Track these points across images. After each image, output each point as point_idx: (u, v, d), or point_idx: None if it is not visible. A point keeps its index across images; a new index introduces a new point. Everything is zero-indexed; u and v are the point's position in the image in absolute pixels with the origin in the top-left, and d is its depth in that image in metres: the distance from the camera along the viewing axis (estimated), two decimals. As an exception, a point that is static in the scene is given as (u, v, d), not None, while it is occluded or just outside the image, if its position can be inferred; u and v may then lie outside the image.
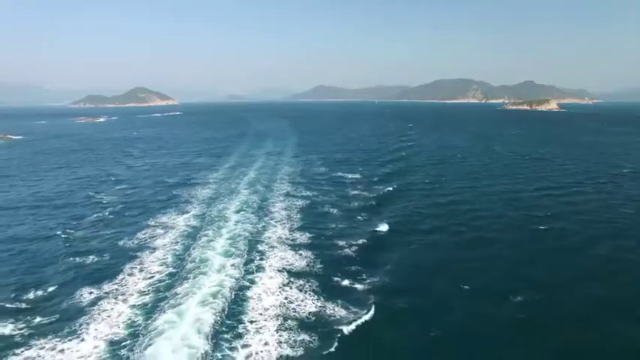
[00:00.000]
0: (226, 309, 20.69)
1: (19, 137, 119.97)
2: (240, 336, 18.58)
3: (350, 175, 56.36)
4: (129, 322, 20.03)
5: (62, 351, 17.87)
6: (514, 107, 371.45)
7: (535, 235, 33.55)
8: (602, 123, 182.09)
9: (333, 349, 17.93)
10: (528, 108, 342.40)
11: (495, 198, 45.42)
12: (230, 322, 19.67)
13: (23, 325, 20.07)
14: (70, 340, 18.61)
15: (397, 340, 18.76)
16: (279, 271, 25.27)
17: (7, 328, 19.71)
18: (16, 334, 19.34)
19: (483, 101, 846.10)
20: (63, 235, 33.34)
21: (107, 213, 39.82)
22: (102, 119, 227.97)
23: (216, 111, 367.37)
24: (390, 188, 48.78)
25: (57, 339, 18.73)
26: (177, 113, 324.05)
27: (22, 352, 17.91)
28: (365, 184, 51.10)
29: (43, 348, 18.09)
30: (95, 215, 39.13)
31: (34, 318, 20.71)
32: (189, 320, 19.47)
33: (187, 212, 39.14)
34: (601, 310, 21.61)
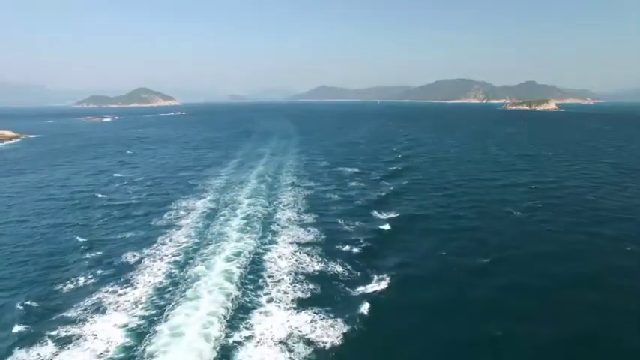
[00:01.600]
0: (248, 266, 25.58)
1: (35, 136, 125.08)
2: (261, 287, 23.35)
3: (349, 170, 61.08)
4: (168, 273, 24.99)
5: (120, 295, 22.70)
6: (514, 107, 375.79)
7: (512, 220, 38.18)
8: (596, 122, 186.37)
9: (333, 294, 22.73)
10: (527, 108, 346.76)
11: (483, 190, 50.10)
12: (252, 276, 24.50)
13: (91, 275, 25.11)
14: (125, 287, 23.48)
15: (387, 294, 23.47)
16: (289, 242, 30.10)
17: (83, 271, 24.59)
18: (88, 282, 24.31)
19: (484, 101, 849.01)
20: (104, 215, 38.65)
21: (135, 199, 44.84)
22: (108, 119, 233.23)
23: (218, 111, 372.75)
24: (387, 182, 53.42)
25: (116, 286, 23.63)
26: (182, 113, 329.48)
27: (93, 294, 22.74)
28: (363, 177, 55.93)
29: (107, 291, 22.98)
30: (125, 201, 44.23)
31: (97, 270, 25.72)
32: (218, 271, 24.44)
33: (204, 198, 44.05)
34: (564, 281, 25.84)
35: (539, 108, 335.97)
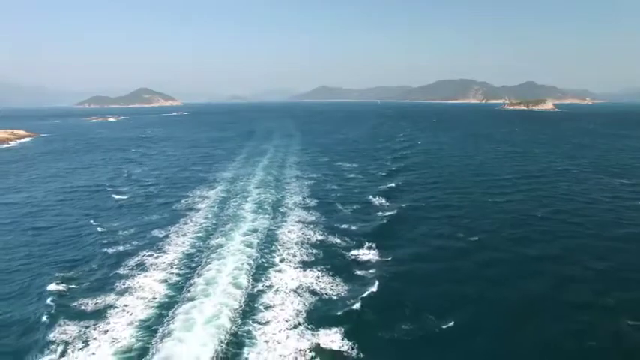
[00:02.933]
0: (263, 238, 30.44)
1: (46, 135, 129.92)
2: (275, 251, 28.07)
3: (348, 165, 65.82)
4: (193, 244, 29.78)
5: (157, 258, 27.36)
6: (511, 107, 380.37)
7: (493, 207, 42.84)
8: (586, 121, 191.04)
9: (332, 258, 27.51)
10: (525, 108, 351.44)
11: (469, 183, 54.84)
12: (267, 244, 29.34)
13: (129, 245, 29.91)
14: (159, 253, 28.18)
15: (376, 258, 28.12)
16: (296, 222, 34.85)
17: (122, 242, 29.31)
18: (128, 249, 29.06)
19: (484, 101, 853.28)
20: (129, 202, 43.46)
21: (153, 189, 49.66)
22: (113, 119, 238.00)
23: (221, 111, 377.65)
24: (383, 173, 58.35)
25: (152, 252, 28.40)
26: (185, 113, 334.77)
27: (134, 258, 27.43)
28: (361, 170, 60.74)
29: (145, 255, 27.74)
30: (145, 190, 49.08)
31: (133, 241, 30.44)
32: (238, 241, 29.30)
33: (216, 188, 48.75)
34: (531, 257, 30.45)
35: (536, 108, 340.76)
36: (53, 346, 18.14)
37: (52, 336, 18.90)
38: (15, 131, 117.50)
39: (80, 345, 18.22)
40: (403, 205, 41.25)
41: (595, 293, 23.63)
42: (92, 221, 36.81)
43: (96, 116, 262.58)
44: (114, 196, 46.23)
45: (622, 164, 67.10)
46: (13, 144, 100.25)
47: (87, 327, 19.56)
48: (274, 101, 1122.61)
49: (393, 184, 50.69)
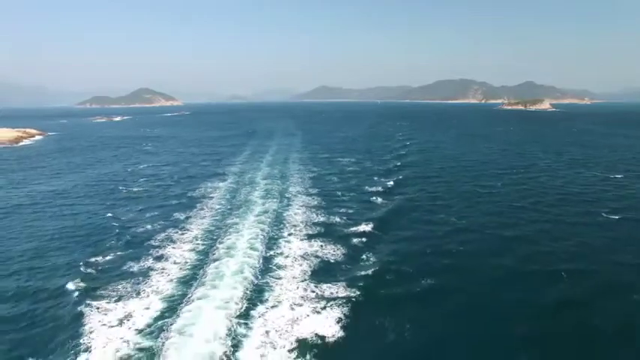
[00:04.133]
0: (273, 217, 35.12)
1: (55, 133, 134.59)
2: (284, 227, 32.75)
3: (347, 160, 70.52)
4: (212, 223, 34.36)
5: (182, 234, 31.98)
6: (509, 107, 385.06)
7: (479, 198, 47.49)
8: (579, 121, 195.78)
9: (333, 232, 32.20)
10: (523, 108, 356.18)
11: (459, 176, 59.52)
12: (276, 222, 34.04)
13: (157, 225, 34.58)
14: (183, 231, 32.80)
15: (371, 231, 32.74)
16: (301, 205, 39.57)
17: (148, 222, 33.90)
18: (156, 228, 33.69)
19: (483, 101, 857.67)
20: (148, 191, 48.10)
21: (169, 181, 54.29)
22: (118, 118, 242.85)
23: (222, 111, 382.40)
24: (379, 167, 63.10)
25: (177, 230, 33.01)
26: (186, 113, 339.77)
27: (162, 234, 32.01)
28: (359, 164, 65.49)
29: (171, 232, 32.37)
30: (161, 182, 53.80)
31: (160, 221, 35.02)
32: (252, 220, 34.00)
33: (225, 180, 53.33)
34: (508, 238, 35.21)
35: (533, 108, 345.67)
36: (108, 301, 22.66)
37: (105, 292, 23.41)
38: (27, 130, 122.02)
39: (133, 295, 22.79)
40: (397, 194, 45.93)
41: (550, 264, 28.15)
42: (119, 207, 41.45)
43: (100, 116, 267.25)
44: (133, 188, 50.71)
45: (600, 159, 71.86)
46: (27, 142, 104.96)
47: (137, 284, 24.05)
48: (274, 101, 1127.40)
49: (388, 177, 55.30)
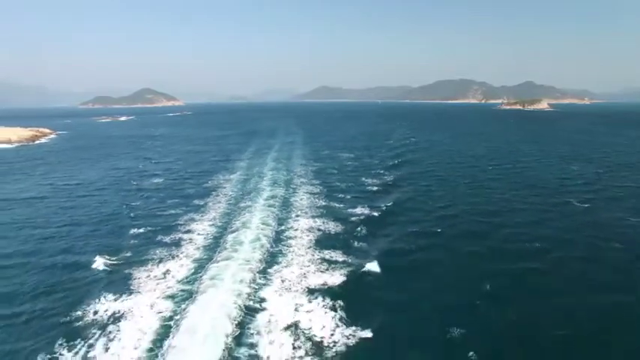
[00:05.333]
0: (281, 202, 40.01)
1: (65, 132, 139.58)
2: (291, 210, 37.56)
3: (346, 154, 75.55)
4: (227, 207, 39.21)
5: (202, 216, 36.83)
6: (508, 107, 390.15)
7: (464, 187, 52.37)
8: (574, 120, 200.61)
9: (334, 213, 37.02)
10: (521, 108, 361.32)
11: (450, 168, 64.42)
12: (284, 205, 38.92)
13: (179, 209, 39.52)
14: (202, 214, 37.66)
15: (369, 213, 37.55)
16: (305, 192, 44.50)
17: (172, 207, 38.75)
18: (178, 212, 38.62)
19: (483, 101, 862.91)
20: (166, 183, 53.02)
21: (183, 174, 59.22)
22: (123, 118, 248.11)
23: (224, 111, 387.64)
24: (374, 160, 68.07)
25: (197, 213, 37.86)
26: (189, 113, 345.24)
27: (185, 217, 36.87)
28: (357, 159, 70.48)
29: (192, 215, 37.27)
30: (177, 174, 58.75)
31: (181, 207, 39.90)
32: (262, 203, 38.91)
33: (235, 172, 58.26)
34: (494, 224, 40.04)
35: (531, 108, 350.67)
36: (151, 263, 27.52)
37: (147, 257, 28.30)
38: (39, 129, 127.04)
39: (169, 258, 27.68)
40: (390, 183, 50.88)
41: (523, 241, 32.91)
42: (143, 196, 46.23)
43: (105, 116, 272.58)
44: (153, 179, 55.54)
45: (583, 155, 76.73)
46: (43, 140, 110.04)
47: (171, 251, 28.94)
48: (275, 101, 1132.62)
49: (384, 170, 60.25)
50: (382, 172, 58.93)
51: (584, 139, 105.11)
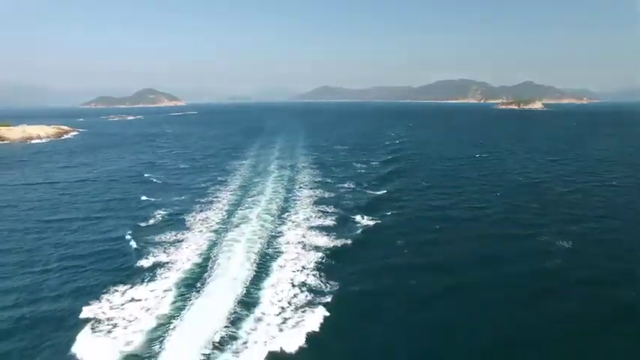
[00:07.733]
0: (287, 188, 49.59)
1: (84, 130, 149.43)
2: (294, 199, 46.54)
3: (341, 147, 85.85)
4: (234, 197, 47.93)
5: (212, 204, 46.05)
6: (504, 107, 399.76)
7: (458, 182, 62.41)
8: (570, 119, 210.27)
9: (333, 201, 45.85)
10: (516, 107, 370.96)
11: (437, 162, 74.54)
12: (287, 195, 48.20)
13: (191, 195, 49.81)
14: (212, 202, 47.76)
15: (368, 204, 47.60)
16: (307, 182, 54.34)
17: (184, 193, 48.82)
18: (194, 199, 48.84)
19: (482, 101, 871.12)
20: (180, 171, 63.19)
21: (199, 164, 69.16)
22: (131, 117, 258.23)
23: (227, 111, 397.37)
24: (367, 153, 78.27)
25: (207, 203, 47.85)
26: (193, 113, 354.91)
27: (197, 204, 46.93)
28: (351, 151, 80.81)
29: (204, 203, 47.46)
30: (192, 165, 68.90)
31: (194, 198, 50.02)
32: (268, 194, 48.70)
33: (243, 164, 68.15)
34: (486, 217, 50.07)
35: (525, 107, 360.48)
36: (169, 238, 37.47)
37: (168, 234, 38.30)
38: (61, 127, 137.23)
39: (185, 241, 37.71)
40: (380, 170, 61.04)
41: (496, 223, 41.78)
42: (161, 184, 54.86)
43: (114, 115, 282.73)
44: (179, 165, 65.80)
45: (561, 150, 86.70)
46: (68, 136, 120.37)
47: (178, 238, 38.81)
48: (276, 101, 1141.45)
49: (375, 160, 70.30)
50: (375, 161, 68.86)
51: (561, 135, 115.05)
